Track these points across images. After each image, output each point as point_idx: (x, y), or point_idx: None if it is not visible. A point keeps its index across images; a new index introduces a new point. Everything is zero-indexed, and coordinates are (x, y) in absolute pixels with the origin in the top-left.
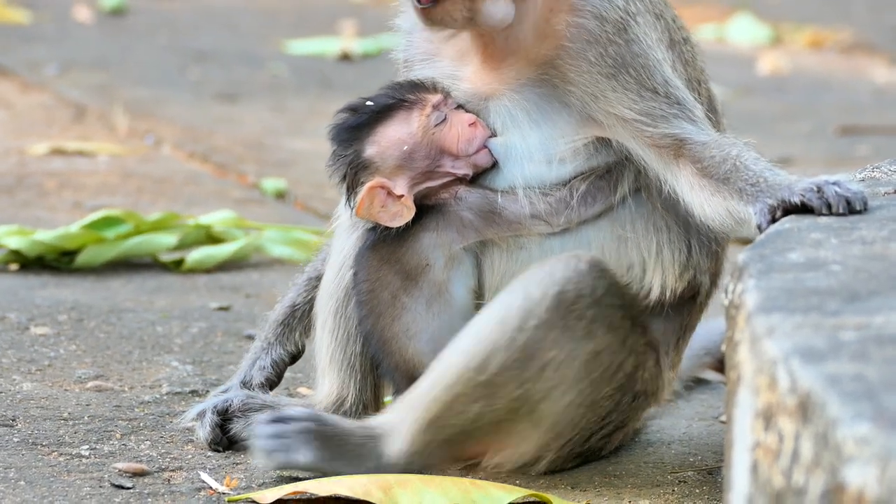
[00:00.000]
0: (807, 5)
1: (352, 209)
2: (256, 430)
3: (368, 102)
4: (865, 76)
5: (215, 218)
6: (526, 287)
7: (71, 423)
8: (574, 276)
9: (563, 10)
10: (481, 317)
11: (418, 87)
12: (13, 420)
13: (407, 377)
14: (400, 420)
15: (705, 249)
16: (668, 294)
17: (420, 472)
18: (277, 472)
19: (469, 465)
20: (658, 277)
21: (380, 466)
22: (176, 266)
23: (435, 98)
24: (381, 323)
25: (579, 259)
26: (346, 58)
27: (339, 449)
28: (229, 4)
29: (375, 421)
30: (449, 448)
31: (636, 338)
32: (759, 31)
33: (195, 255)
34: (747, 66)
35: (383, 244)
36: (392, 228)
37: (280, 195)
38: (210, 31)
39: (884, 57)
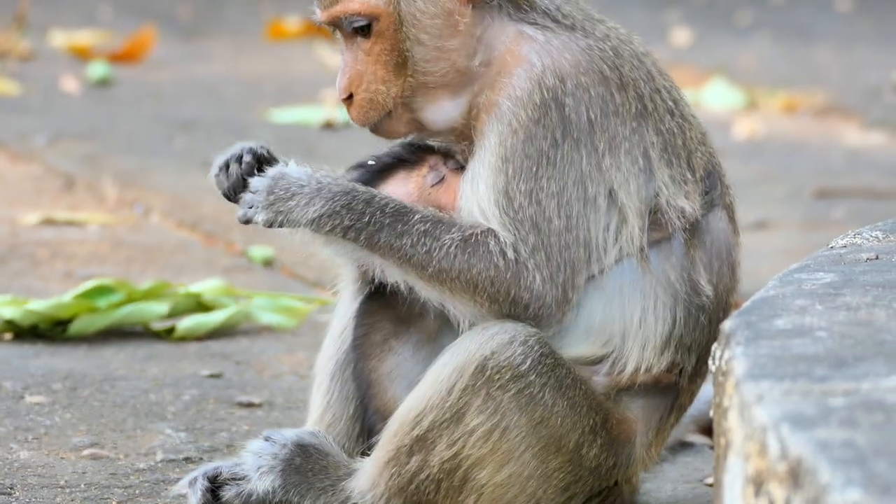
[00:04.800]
0: (780, 69)
1: None
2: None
3: (371, 161)
4: (839, 139)
5: (205, 286)
6: (459, 351)
7: (68, 490)
8: (498, 348)
9: (495, 90)
10: (426, 373)
11: (419, 148)
12: (11, 488)
13: (384, 421)
14: (367, 460)
15: (692, 321)
16: (642, 372)
17: None
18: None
19: None
20: (636, 349)
21: (342, 502)
22: (167, 334)
23: (433, 159)
24: (369, 365)
25: (504, 330)
26: (329, 126)
27: (313, 474)
28: (213, 75)
29: (356, 461)
30: (405, 496)
31: (577, 416)
32: (733, 96)
33: (186, 324)
34: (723, 130)
35: (383, 291)
36: None
37: (267, 263)
38: (194, 100)
39: (856, 119)
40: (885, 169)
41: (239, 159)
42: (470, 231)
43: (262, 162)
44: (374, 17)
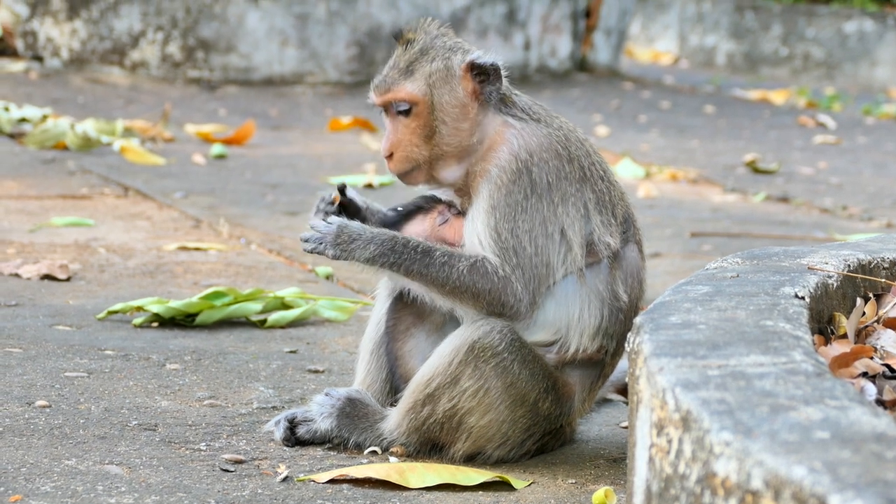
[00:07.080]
0: (666, 153)
1: None
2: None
3: (399, 208)
4: (707, 199)
5: (286, 292)
6: (457, 337)
7: (193, 427)
8: (483, 335)
9: (487, 160)
10: (434, 351)
11: (431, 199)
12: (156, 426)
13: (405, 384)
14: (394, 409)
15: (613, 317)
16: (580, 352)
17: (406, 446)
18: (326, 449)
19: (442, 455)
20: (576, 336)
21: (377, 437)
22: (261, 324)
23: (441, 206)
24: (396, 345)
25: (487, 323)
26: (369, 186)
27: (358, 418)
28: (291, 153)
29: (387, 410)
30: (419, 434)
31: (535, 381)
32: (636, 170)
33: (274, 317)
34: (631, 192)
35: (407, 296)
36: None
37: (328, 277)
38: (279, 170)
39: (718, 187)
40: (737, 219)
41: (323, 200)
42: (473, 259)
43: (342, 200)
44: (415, 103)
